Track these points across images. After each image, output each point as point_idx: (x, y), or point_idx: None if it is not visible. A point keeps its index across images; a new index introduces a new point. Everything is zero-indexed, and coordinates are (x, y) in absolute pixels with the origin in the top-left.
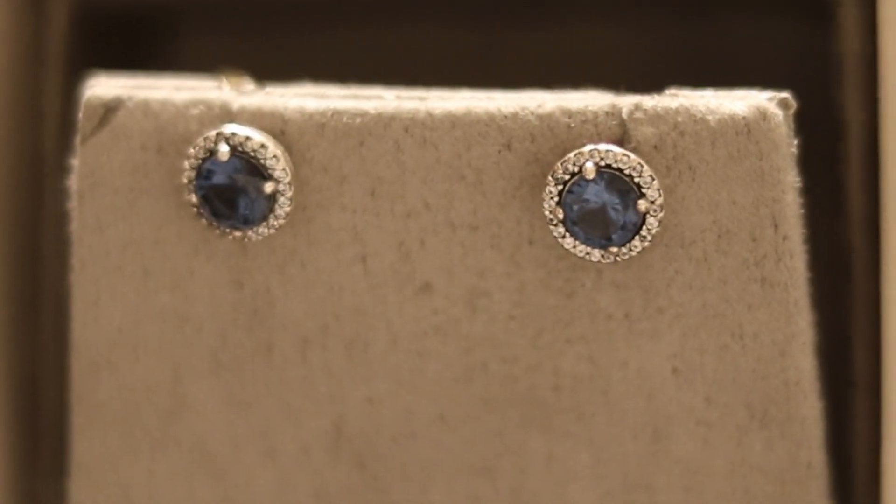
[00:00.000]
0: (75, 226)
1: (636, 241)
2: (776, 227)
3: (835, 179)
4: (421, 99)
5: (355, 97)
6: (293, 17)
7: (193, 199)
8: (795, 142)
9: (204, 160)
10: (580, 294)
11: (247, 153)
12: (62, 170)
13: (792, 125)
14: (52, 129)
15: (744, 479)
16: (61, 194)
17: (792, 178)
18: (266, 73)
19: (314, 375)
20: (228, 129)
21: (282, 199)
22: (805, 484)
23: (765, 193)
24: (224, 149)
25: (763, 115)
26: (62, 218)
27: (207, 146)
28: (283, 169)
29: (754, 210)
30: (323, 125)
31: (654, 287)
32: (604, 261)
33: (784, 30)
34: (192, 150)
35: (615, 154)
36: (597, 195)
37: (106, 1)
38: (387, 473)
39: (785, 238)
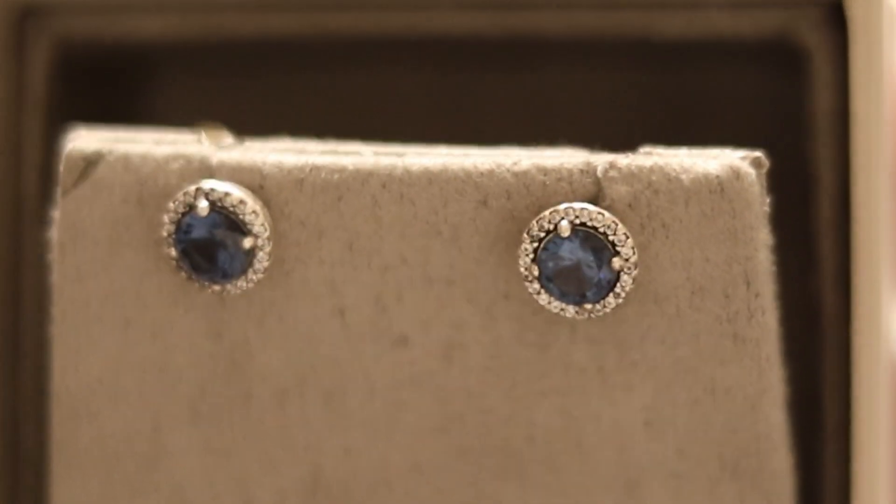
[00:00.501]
0: (56, 277)
1: (610, 298)
2: (748, 284)
3: (806, 233)
4: (398, 155)
5: (334, 153)
6: (268, 60)
7: (173, 252)
8: (767, 199)
9: (183, 214)
10: (554, 348)
11: (226, 208)
12: (42, 216)
13: (764, 184)
14: (32, 175)
15: None
16: (42, 239)
17: (764, 236)
18: (244, 115)
19: (291, 425)
20: (207, 184)
21: (260, 254)
22: None
23: (737, 251)
24: (203, 204)
25: (736, 174)
26: (42, 264)
27: (187, 201)
28: (262, 224)
29: (727, 267)
30: (301, 180)
31: (627, 342)
32: (578, 317)
33: (757, 81)
34: (171, 205)
35: (590, 212)
36: (571, 253)
37: (86, 46)
38: None
39: (757, 295)
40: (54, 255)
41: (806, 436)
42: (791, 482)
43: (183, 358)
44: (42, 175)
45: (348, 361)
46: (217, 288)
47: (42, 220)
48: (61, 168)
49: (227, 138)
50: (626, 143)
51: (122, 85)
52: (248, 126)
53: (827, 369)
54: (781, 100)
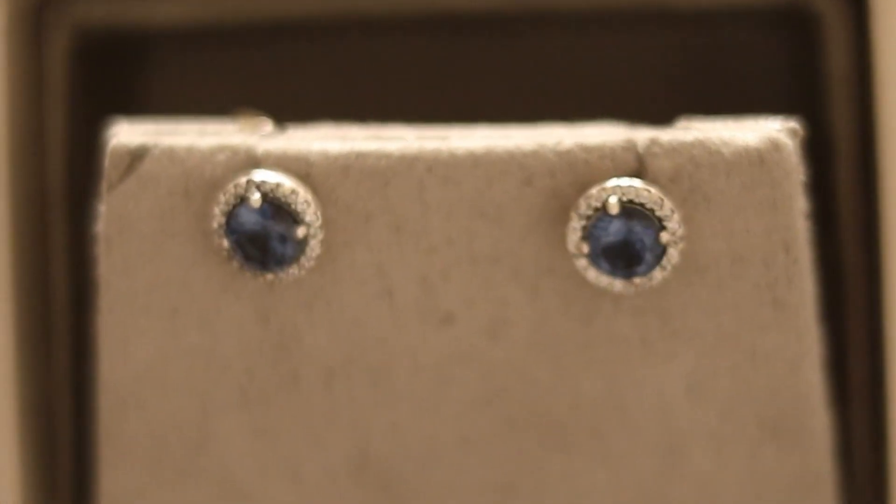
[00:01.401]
0: (103, 270)
1: (657, 272)
2: (787, 251)
3: (826, 192)
4: (442, 138)
5: (377, 138)
6: (282, 43)
7: (225, 243)
8: (804, 168)
9: (235, 206)
10: (598, 320)
11: (278, 199)
12: (68, 206)
13: (801, 153)
14: (56, 164)
15: (756, 490)
16: (68, 224)
17: (802, 204)
18: (262, 98)
19: (339, 405)
20: (258, 175)
21: (312, 243)
22: (815, 493)
23: (777, 220)
24: (255, 195)
25: (775, 146)
26: (70, 248)
27: (238, 192)
28: (315, 213)
29: (767, 236)
30: (347, 167)
31: (669, 312)
32: (626, 291)
33: (773, 47)
34: (222, 197)
35: (637, 189)
36: (620, 229)
37: (104, 32)
38: (411, 496)
39: (795, 261)
40: (101, 249)
41: (833, 396)
42: (829, 441)
43: (231, 344)
44: (66, 164)
45: (395, 341)
46: (269, 277)
47: (68, 210)
48: (106, 163)
49: (268, 125)
50: (644, 113)
51: (140, 70)
52: (266, 108)
53: (851, 328)
54: (797, 65)
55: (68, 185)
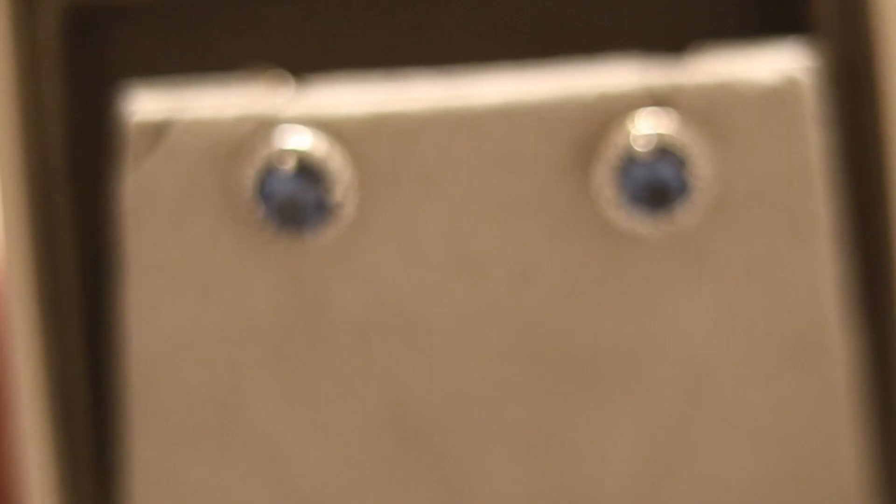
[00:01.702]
0: (130, 244)
1: (683, 214)
2: (805, 184)
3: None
4: (466, 92)
5: (403, 95)
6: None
7: (259, 212)
8: (823, 103)
9: (267, 174)
10: (625, 264)
11: (310, 164)
12: (69, 179)
13: (820, 86)
14: (56, 138)
15: (779, 413)
16: (70, 192)
17: (819, 139)
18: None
19: (373, 360)
20: (289, 142)
21: (347, 205)
22: (834, 416)
23: (794, 155)
24: (287, 163)
25: (793, 84)
26: (75, 216)
27: (270, 160)
28: (348, 176)
29: (784, 170)
30: (378, 128)
31: (695, 252)
32: (653, 234)
33: None
34: (253, 165)
35: (660, 132)
36: (647, 172)
37: (96, 4)
38: (448, 443)
39: (812, 194)
40: (127, 223)
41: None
42: (850, 364)
43: (262, 307)
44: (66, 136)
45: (427, 294)
46: (305, 241)
47: (72, 184)
48: (130, 138)
49: (288, 83)
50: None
51: (133, 40)
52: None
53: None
54: None
55: (68, 158)
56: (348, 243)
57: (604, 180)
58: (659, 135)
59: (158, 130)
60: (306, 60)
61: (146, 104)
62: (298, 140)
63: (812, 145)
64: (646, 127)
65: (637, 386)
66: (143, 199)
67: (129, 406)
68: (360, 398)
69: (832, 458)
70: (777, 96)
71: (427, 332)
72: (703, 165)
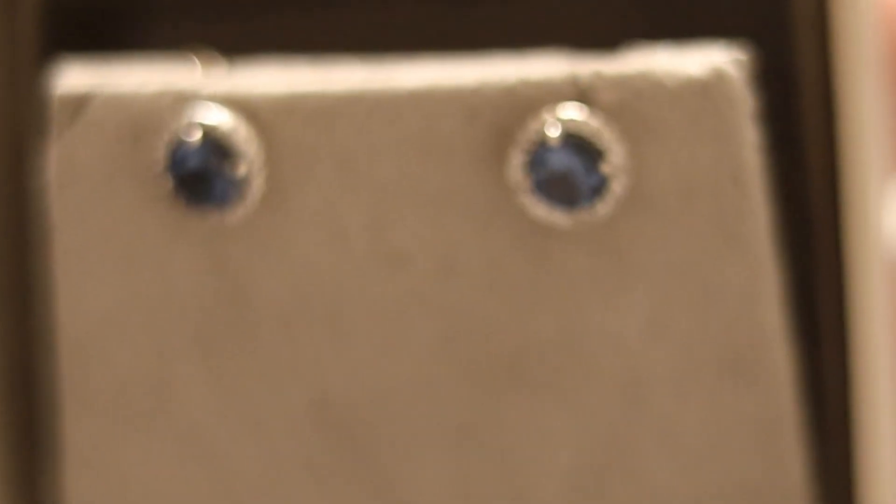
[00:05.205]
0: (54, 218)
1: (601, 205)
2: (736, 183)
3: (791, 132)
4: (387, 77)
5: (323, 77)
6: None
7: (168, 184)
8: (753, 99)
9: (177, 146)
10: (549, 258)
11: (218, 137)
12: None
13: (749, 83)
14: (28, 120)
15: (718, 428)
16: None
17: (751, 136)
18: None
19: (297, 350)
20: (198, 115)
21: (255, 181)
22: (776, 432)
23: (724, 152)
24: (195, 135)
25: (719, 76)
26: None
27: (179, 133)
28: (256, 151)
29: (714, 168)
30: (293, 107)
31: (621, 248)
32: (569, 225)
33: None
34: (164, 137)
35: (576, 121)
36: (560, 161)
37: None
38: (373, 440)
39: (745, 193)
40: (51, 196)
41: (802, 340)
42: (791, 379)
43: (186, 290)
44: (38, 116)
45: (349, 283)
46: (215, 217)
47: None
48: (53, 109)
49: (218, 66)
50: (604, 43)
51: (114, 27)
52: (239, 63)
53: (820, 270)
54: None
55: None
56: (267, 226)
57: (517, 168)
58: (573, 122)
59: (80, 104)
60: (251, 47)
61: (71, 78)
62: (209, 115)
63: (743, 142)
64: (561, 114)
65: (568, 390)
66: (66, 172)
67: (62, 387)
68: (284, 388)
69: (773, 476)
70: (704, 88)
71: (350, 323)
72: (620, 156)
